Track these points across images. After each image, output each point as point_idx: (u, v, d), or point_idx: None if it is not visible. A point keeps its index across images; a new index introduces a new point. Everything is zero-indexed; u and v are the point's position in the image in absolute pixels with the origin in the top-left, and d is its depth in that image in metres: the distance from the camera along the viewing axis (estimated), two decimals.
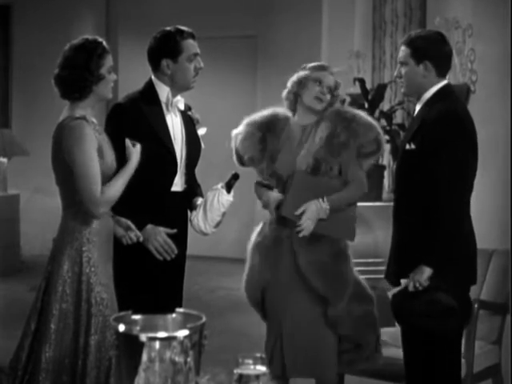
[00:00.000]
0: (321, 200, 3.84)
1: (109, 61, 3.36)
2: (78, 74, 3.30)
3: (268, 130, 4.01)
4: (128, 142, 3.48)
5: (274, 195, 3.91)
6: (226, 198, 3.79)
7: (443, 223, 3.42)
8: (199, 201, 3.88)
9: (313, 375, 3.92)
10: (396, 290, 3.55)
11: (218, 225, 3.86)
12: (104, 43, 3.37)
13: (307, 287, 3.86)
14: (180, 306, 3.74)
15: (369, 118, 3.97)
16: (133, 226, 3.57)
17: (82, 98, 3.33)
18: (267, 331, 3.99)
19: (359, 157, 3.91)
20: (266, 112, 4.07)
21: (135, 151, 3.45)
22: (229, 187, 3.79)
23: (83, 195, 3.24)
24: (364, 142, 3.89)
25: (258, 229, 4.03)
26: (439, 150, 3.43)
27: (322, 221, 3.85)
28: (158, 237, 3.72)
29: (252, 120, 4.05)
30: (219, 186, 3.81)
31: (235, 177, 3.80)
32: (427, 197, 3.46)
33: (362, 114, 3.99)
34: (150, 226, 3.72)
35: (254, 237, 4.02)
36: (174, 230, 3.76)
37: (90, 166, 3.23)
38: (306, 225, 3.82)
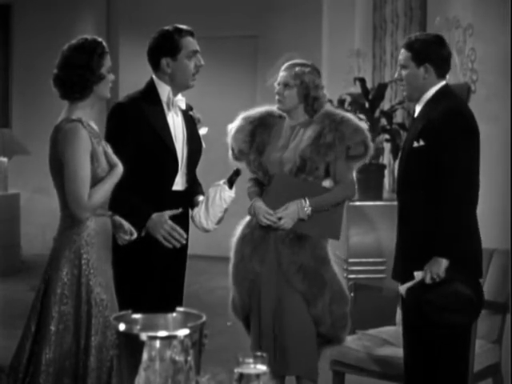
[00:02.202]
0: (303, 200, 3.87)
1: (108, 61, 3.36)
2: (79, 74, 3.29)
3: (259, 124, 4.06)
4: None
5: (262, 207, 3.92)
6: (228, 194, 3.80)
7: (455, 218, 3.45)
8: (200, 198, 3.89)
9: (299, 372, 3.94)
10: (409, 284, 3.55)
11: (219, 221, 3.87)
12: (103, 43, 3.36)
13: (289, 285, 3.88)
14: (180, 305, 3.74)
15: (357, 121, 3.97)
16: (126, 226, 3.53)
17: (83, 98, 3.33)
18: (252, 327, 4.00)
19: (347, 159, 3.91)
20: (260, 108, 4.13)
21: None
22: (231, 183, 3.81)
23: (70, 197, 3.23)
24: (351, 144, 3.89)
25: (244, 221, 4.05)
26: (449, 146, 3.47)
27: (305, 221, 3.88)
28: (165, 225, 3.71)
29: (246, 115, 4.10)
30: (221, 182, 3.82)
31: (237, 173, 3.81)
32: (434, 193, 3.47)
33: (351, 116, 4.00)
34: (155, 215, 3.72)
35: (241, 228, 4.04)
36: (179, 210, 3.75)
37: (81, 168, 3.22)
38: (284, 222, 3.86)
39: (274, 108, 4.09)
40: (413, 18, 6.56)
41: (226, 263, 8.82)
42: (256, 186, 4.07)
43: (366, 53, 7.52)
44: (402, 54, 3.67)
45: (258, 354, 2.12)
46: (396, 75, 3.73)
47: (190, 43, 3.81)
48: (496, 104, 5.00)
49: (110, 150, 3.39)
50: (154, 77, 3.86)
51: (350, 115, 4.02)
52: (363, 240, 5.62)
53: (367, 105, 6.00)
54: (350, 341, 4.34)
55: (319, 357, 3.98)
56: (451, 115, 3.52)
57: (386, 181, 6.43)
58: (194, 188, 3.94)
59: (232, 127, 4.09)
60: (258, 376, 2.10)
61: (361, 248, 5.60)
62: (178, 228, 3.73)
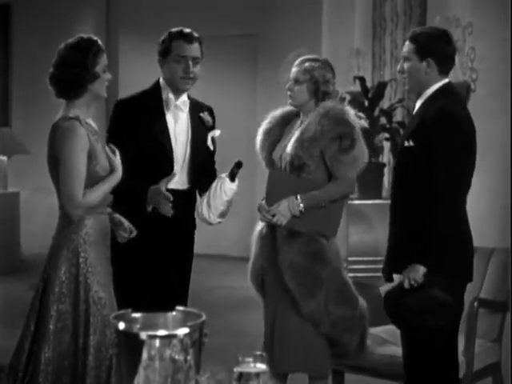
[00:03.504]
0: (294, 197, 3.83)
1: (104, 60, 3.36)
2: (74, 73, 3.30)
3: (277, 122, 4.05)
4: (111, 147, 3.43)
5: (262, 205, 3.92)
6: (229, 187, 3.79)
7: (437, 223, 3.42)
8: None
9: (304, 370, 3.93)
10: (388, 286, 3.56)
11: (222, 215, 3.85)
12: (99, 42, 3.36)
13: (283, 284, 3.85)
14: (185, 304, 3.76)
15: (342, 113, 3.86)
16: (126, 224, 3.54)
17: (78, 96, 3.33)
18: (265, 323, 4.01)
19: (339, 153, 3.82)
20: (286, 107, 4.08)
21: (118, 162, 3.39)
22: (232, 176, 3.80)
23: (64, 195, 3.24)
24: (335, 137, 3.80)
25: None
26: (435, 148, 3.44)
27: (298, 217, 3.84)
28: (156, 190, 3.72)
29: (270, 114, 4.09)
30: (223, 175, 3.82)
31: (238, 165, 3.79)
32: (422, 195, 3.46)
33: (338, 108, 3.89)
34: (152, 187, 3.73)
35: (258, 227, 4.04)
36: (174, 172, 3.77)
37: (76, 166, 3.23)
38: (276, 218, 3.83)
39: None
40: (412, 16, 6.57)
41: (226, 262, 8.80)
42: None
43: (365, 52, 7.52)
44: (406, 46, 3.61)
45: (258, 353, 2.12)
46: (398, 67, 3.68)
47: (180, 47, 3.82)
48: (496, 103, 5.00)
49: (113, 156, 3.38)
50: (161, 76, 3.91)
51: (337, 107, 3.90)
52: (362, 239, 5.63)
53: (367, 103, 6.01)
54: None
55: (328, 355, 3.92)
56: (443, 116, 3.47)
57: (386, 179, 6.43)
58: (202, 187, 3.91)
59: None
60: (257, 375, 2.10)
61: (360, 247, 5.61)
62: (164, 192, 3.70)
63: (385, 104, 6.48)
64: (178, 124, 3.89)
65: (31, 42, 9.61)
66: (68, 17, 9.64)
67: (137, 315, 2.28)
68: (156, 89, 3.90)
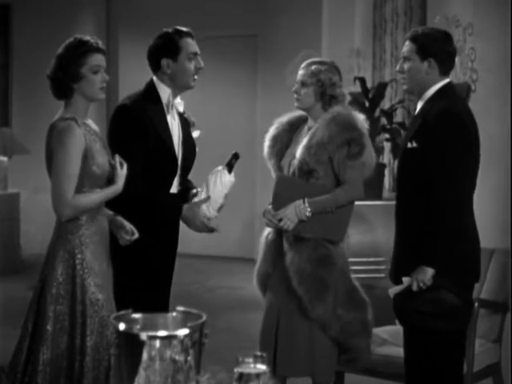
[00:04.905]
0: (301, 201, 3.82)
1: (93, 60, 3.31)
2: (57, 72, 3.30)
3: (285, 128, 4.03)
4: (117, 159, 3.38)
5: (268, 210, 3.93)
6: (228, 179, 3.76)
7: (444, 223, 3.42)
8: (194, 191, 3.86)
9: (308, 374, 3.92)
10: (397, 288, 3.55)
11: (220, 209, 3.81)
12: (91, 42, 3.31)
13: (290, 288, 3.85)
14: (167, 304, 3.78)
15: (350, 118, 3.86)
16: (127, 226, 3.53)
17: (67, 96, 3.33)
18: (262, 324, 4.01)
19: (349, 158, 3.84)
20: (293, 113, 4.08)
21: (122, 175, 3.37)
22: (230, 168, 3.77)
23: (53, 192, 3.24)
24: (343, 142, 3.80)
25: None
26: (439, 149, 3.43)
27: (305, 222, 3.83)
28: (196, 219, 3.72)
29: (277, 120, 4.08)
30: (220, 167, 3.79)
31: (235, 157, 3.77)
32: (428, 196, 3.46)
33: (346, 113, 3.88)
34: (185, 207, 3.72)
35: (264, 232, 4.04)
36: (198, 191, 3.77)
37: (68, 165, 3.22)
38: (283, 223, 3.82)
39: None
40: (413, 16, 6.58)
41: (226, 262, 8.80)
42: None
43: (365, 52, 7.52)
44: (407, 45, 3.60)
45: (258, 353, 2.12)
46: (397, 67, 3.66)
47: (190, 45, 3.81)
48: (496, 103, 5.01)
49: (119, 168, 3.36)
50: (154, 78, 3.86)
51: (345, 112, 3.89)
52: (363, 239, 5.62)
53: (367, 104, 6.01)
54: None
55: (334, 362, 3.91)
56: (446, 116, 3.46)
57: (386, 180, 6.43)
58: (185, 191, 3.91)
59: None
60: (257, 375, 2.10)
61: (360, 247, 5.60)
62: (207, 223, 3.71)
63: (385, 104, 6.48)
64: (174, 126, 3.87)
65: (31, 42, 9.60)
66: (68, 17, 9.64)
67: (137, 316, 2.28)
68: (153, 90, 3.84)
